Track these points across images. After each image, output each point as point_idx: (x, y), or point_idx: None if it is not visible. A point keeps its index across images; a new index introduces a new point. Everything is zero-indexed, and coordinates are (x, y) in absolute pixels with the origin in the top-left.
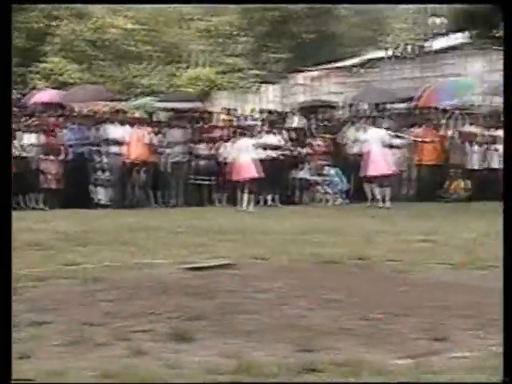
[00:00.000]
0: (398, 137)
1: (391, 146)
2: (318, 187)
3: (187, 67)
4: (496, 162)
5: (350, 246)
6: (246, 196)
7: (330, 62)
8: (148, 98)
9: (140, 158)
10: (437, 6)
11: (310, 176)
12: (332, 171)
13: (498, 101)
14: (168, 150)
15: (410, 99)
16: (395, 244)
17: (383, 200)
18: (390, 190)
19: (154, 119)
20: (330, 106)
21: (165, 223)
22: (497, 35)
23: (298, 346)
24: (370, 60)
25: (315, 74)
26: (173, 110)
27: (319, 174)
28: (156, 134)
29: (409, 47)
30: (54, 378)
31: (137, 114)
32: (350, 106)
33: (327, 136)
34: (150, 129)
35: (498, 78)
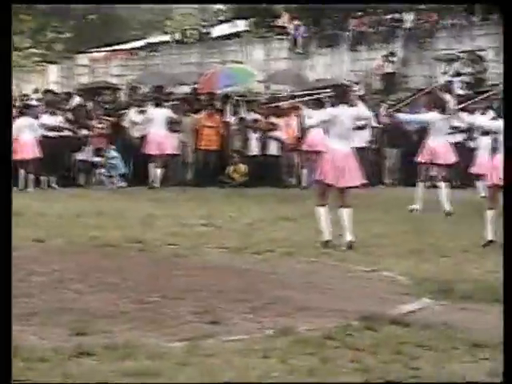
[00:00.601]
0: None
1: (174, 130)
2: (100, 169)
3: None
4: (274, 149)
5: (129, 229)
6: (23, 175)
7: (114, 44)
8: None
9: None
10: None
11: (91, 158)
12: (114, 154)
13: (276, 88)
14: None
15: (193, 84)
16: (173, 228)
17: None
18: (164, 172)
19: None
20: (113, 88)
21: None
22: (278, 24)
23: (73, 330)
24: (153, 43)
25: (99, 55)
26: None
27: (100, 156)
28: None
29: (192, 32)
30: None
31: None
32: (132, 88)
33: (109, 118)
34: None
35: (277, 66)
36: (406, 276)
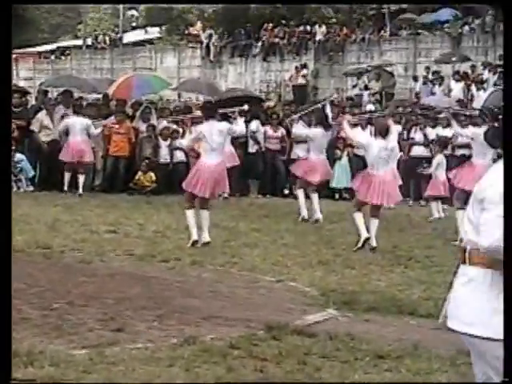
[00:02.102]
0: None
1: (93, 136)
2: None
3: None
4: (181, 156)
5: (35, 234)
6: None
7: (23, 46)
8: None
9: None
10: None
11: None
12: (21, 157)
13: (188, 96)
14: None
15: (104, 89)
16: (80, 234)
17: (77, 187)
18: (84, 178)
19: None
20: (22, 92)
21: None
22: (191, 33)
23: None
24: (64, 47)
25: None
26: None
27: None
28: None
29: (104, 37)
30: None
31: None
32: (42, 92)
33: (18, 122)
34: None
35: (190, 74)
36: (311, 287)
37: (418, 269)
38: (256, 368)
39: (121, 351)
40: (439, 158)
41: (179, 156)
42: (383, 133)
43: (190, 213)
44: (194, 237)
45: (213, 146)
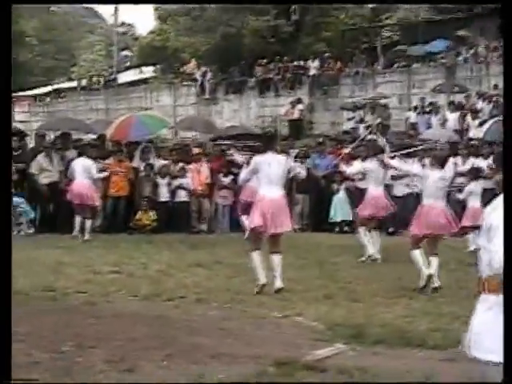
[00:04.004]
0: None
1: (94, 178)
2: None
3: None
4: (183, 195)
5: (39, 277)
6: None
7: (16, 90)
8: None
9: None
10: (127, 39)
11: None
12: (20, 200)
13: (184, 134)
14: None
15: (101, 130)
16: (84, 275)
17: (82, 231)
18: (91, 223)
19: None
20: (20, 135)
21: None
22: (185, 71)
23: None
24: (58, 90)
25: None
26: None
27: None
28: None
29: (99, 78)
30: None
31: None
32: (39, 135)
33: (16, 165)
34: None
35: (185, 112)
36: (318, 321)
37: (423, 300)
38: None
39: None
40: None
41: (181, 195)
42: (440, 163)
43: (255, 254)
44: (262, 280)
45: (272, 177)
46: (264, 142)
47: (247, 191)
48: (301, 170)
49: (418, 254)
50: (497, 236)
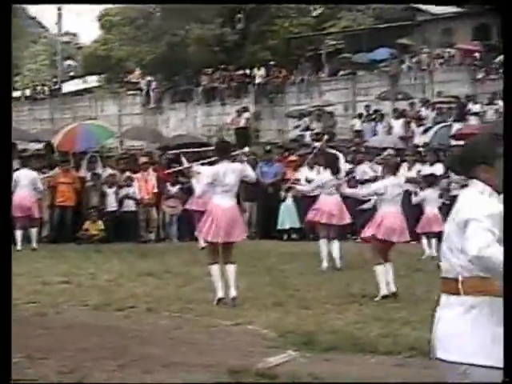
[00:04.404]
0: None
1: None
2: None
3: None
4: (131, 204)
5: None
6: None
7: None
8: None
9: None
10: (70, 49)
11: None
12: None
13: (130, 144)
14: None
15: (46, 140)
16: (33, 286)
17: (29, 241)
18: (36, 231)
19: None
20: None
21: None
22: (130, 80)
23: None
24: None
25: None
26: None
27: None
28: None
29: (43, 88)
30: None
31: None
32: None
33: None
34: None
35: (131, 121)
36: (269, 328)
37: (373, 306)
38: None
39: None
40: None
41: (128, 204)
42: (392, 170)
43: (215, 268)
44: (220, 294)
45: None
46: (219, 150)
47: (198, 200)
48: (251, 173)
49: (380, 271)
50: (470, 226)
